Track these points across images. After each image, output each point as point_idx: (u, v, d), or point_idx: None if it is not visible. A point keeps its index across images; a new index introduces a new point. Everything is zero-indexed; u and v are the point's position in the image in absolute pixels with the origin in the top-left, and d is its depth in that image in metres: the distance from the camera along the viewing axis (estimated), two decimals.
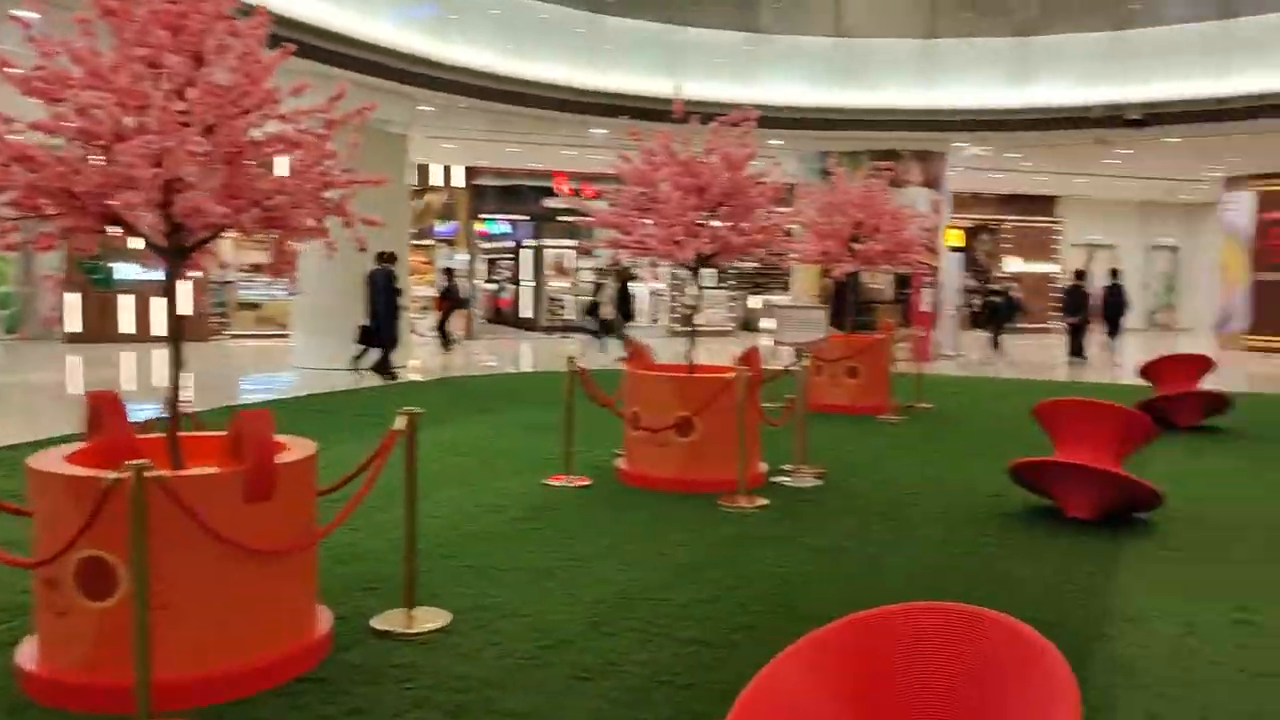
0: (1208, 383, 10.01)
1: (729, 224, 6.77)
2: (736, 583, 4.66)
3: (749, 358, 6.85)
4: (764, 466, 6.94)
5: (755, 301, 25.80)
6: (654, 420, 6.60)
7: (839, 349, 10.42)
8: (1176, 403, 9.51)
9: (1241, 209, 21.63)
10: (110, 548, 3.18)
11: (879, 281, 17.80)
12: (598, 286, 19.94)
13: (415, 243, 21.02)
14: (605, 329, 18.30)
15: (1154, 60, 15.34)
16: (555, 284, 24.62)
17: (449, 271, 19.42)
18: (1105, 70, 15.52)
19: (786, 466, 7.12)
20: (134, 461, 3.10)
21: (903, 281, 17.49)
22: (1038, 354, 19.80)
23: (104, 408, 3.88)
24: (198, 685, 3.28)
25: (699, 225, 6.65)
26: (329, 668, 3.57)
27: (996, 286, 22.02)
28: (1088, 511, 5.93)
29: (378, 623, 3.98)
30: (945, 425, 10.04)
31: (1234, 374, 14.38)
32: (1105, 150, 17.39)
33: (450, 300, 18.60)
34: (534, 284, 24.74)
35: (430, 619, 4.03)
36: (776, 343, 7.70)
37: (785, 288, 24.20)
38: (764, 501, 6.22)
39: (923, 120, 16.31)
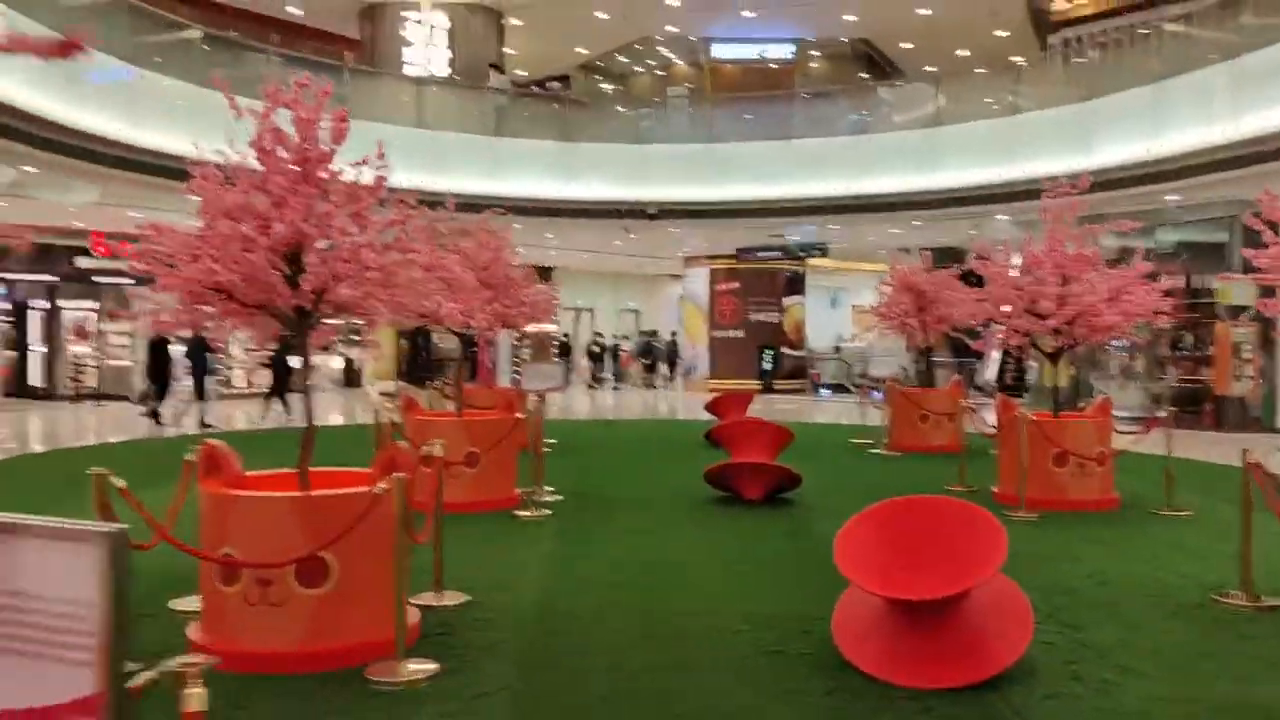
0: (751, 412, 13.91)
1: None
2: None
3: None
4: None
5: None
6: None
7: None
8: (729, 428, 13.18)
9: (699, 281, 27.62)
10: None
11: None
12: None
13: None
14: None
15: (663, 169, 19.87)
16: (76, 349, 22.78)
17: None
18: (631, 174, 19.71)
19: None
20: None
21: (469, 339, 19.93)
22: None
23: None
24: None
25: None
26: None
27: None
28: (760, 493, 8.87)
29: None
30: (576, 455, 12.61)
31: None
32: (623, 233, 21.64)
33: None
34: (46, 348, 22.65)
35: None
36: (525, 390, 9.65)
37: None
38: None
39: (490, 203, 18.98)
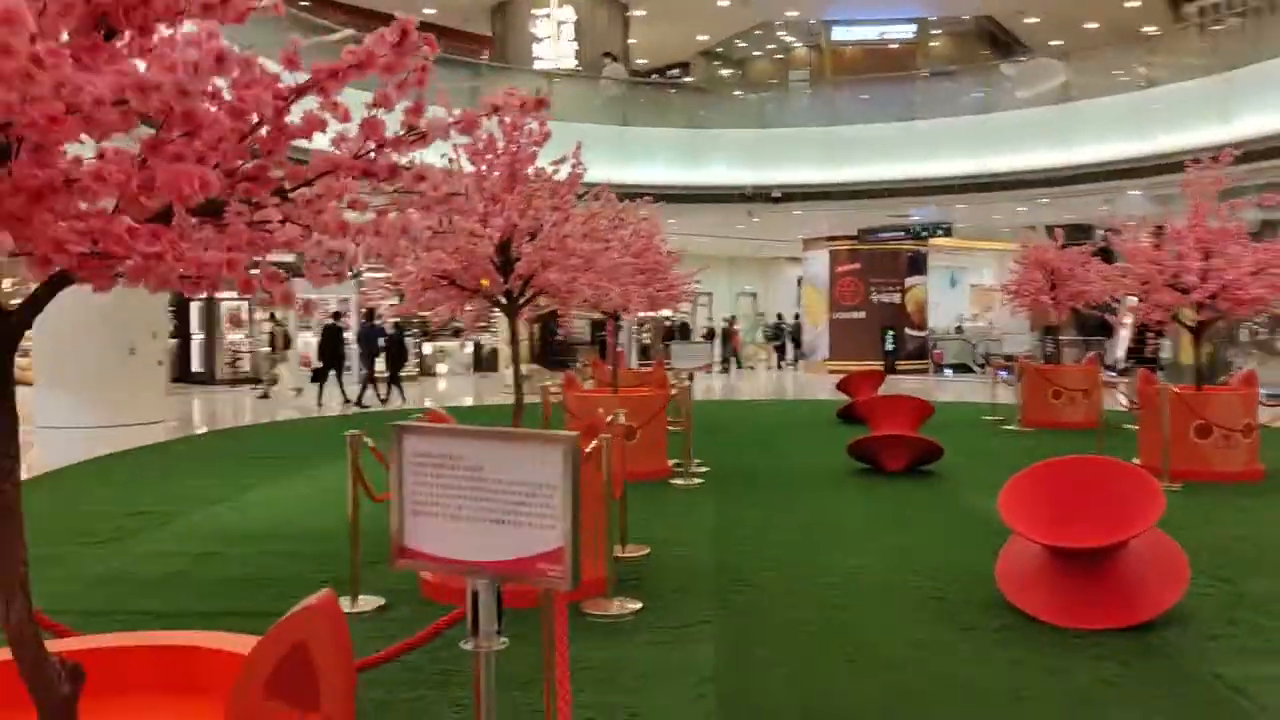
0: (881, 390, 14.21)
1: None
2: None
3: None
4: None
5: None
6: None
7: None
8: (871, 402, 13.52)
9: (819, 263, 27.79)
10: None
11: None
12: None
13: None
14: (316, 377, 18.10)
15: (786, 153, 20.18)
16: (231, 336, 24.43)
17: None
18: (753, 158, 20.09)
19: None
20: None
21: (597, 324, 20.70)
22: None
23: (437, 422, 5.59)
24: None
25: None
26: None
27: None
28: (902, 464, 9.26)
29: None
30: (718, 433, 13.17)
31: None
32: (745, 217, 22.06)
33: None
34: (205, 336, 24.38)
35: None
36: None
37: None
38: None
39: (627, 193, 19.68)
